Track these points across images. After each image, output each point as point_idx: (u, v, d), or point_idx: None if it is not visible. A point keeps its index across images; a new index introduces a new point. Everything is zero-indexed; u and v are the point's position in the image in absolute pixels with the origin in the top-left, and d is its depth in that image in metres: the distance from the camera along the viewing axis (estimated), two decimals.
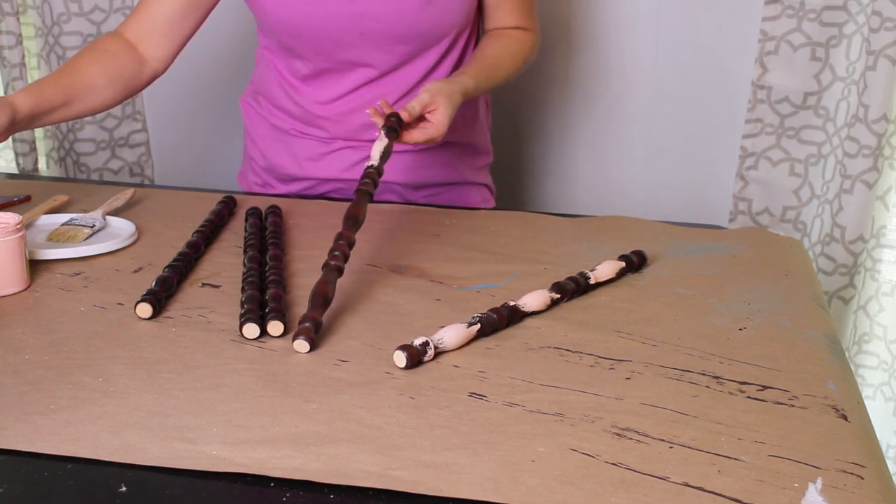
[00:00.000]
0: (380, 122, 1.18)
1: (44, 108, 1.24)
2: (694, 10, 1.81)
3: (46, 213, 1.29)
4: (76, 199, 1.37)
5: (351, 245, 1.07)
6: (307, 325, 0.94)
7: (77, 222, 1.25)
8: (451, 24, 1.34)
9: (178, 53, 1.39)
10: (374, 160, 1.15)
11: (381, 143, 1.16)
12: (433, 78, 1.37)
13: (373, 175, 1.14)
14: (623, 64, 1.88)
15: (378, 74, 1.36)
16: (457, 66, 1.39)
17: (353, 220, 1.09)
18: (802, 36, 1.71)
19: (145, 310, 0.99)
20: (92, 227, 1.24)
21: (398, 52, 1.34)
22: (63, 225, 1.24)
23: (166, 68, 1.39)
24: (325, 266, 1.03)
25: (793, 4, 1.70)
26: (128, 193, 1.35)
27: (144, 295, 1.01)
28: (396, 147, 1.36)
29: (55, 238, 1.20)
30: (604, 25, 1.86)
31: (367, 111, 1.20)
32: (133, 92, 1.37)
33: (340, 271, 1.03)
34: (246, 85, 1.55)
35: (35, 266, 1.12)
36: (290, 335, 0.95)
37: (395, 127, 1.18)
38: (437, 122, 1.20)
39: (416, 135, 1.20)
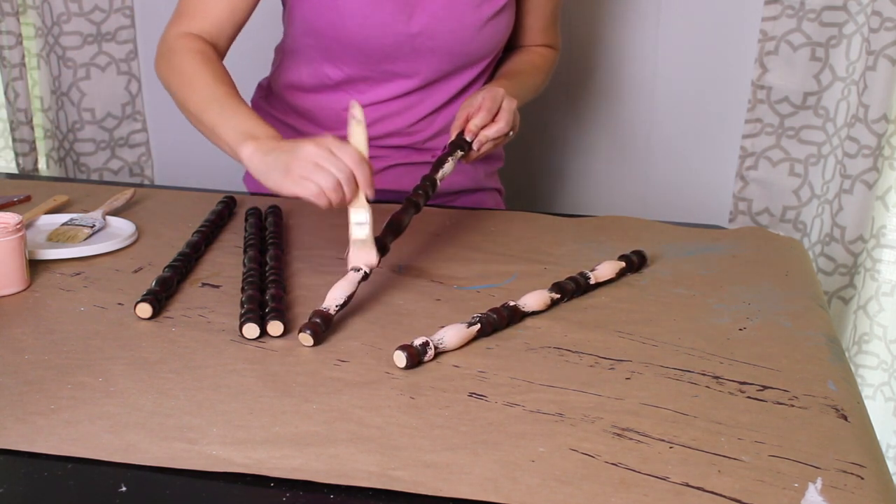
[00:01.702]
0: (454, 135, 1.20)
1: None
2: (694, 10, 1.81)
3: (46, 213, 1.29)
4: (76, 199, 1.37)
5: (384, 251, 1.07)
6: (316, 319, 0.95)
7: (77, 222, 1.25)
8: (497, 45, 1.36)
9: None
10: (434, 172, 1.16)
11: (445, 159, 1.18)
12: (469, 92, 1.38)
13: (426, 187, 1.14)
14: (623, 64, 1.88)
15: (416, 87, 1.36)
16: (488, 81, 1.40)
17: (394, 227, 1.10)
18: (802, 36, 1.71)
19: (145, 310, 0.99)
20: (92, 227, 1.24)
21: (443, 69, 1.34)
22: (63, 225, 1.24)
23: None
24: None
25: (793, 4, 1.70)
26: (127, 193, 1.35)
27: (144, 295, 1.01)
28: (411, 157, 1.41)
29: (55, 238, 1.20)
30: (604, 25, 1.86)
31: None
32: None
33: (366, 275, 1.04)
34: (247, 84, 1.54)
35: (35, 266, 1.12)
36: (291, 334, 0.96)
37: (461, 145, 1.19)
38: (493, 92, 1.20)
39: (500, 124, 1.19)
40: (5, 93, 1.99)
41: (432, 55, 1.32)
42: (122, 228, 1.25)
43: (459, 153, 1.19)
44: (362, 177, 1.00)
